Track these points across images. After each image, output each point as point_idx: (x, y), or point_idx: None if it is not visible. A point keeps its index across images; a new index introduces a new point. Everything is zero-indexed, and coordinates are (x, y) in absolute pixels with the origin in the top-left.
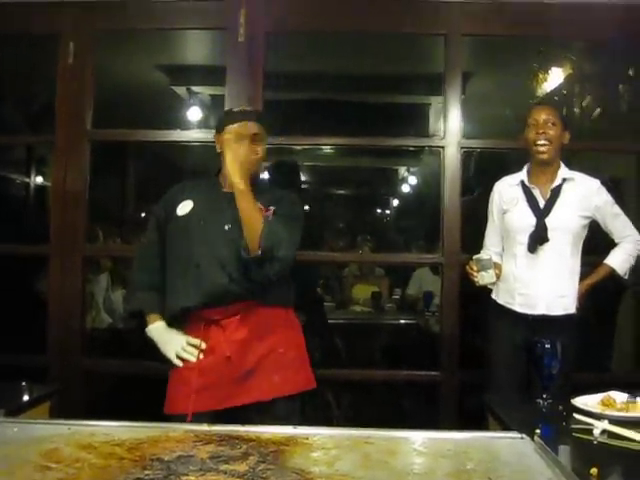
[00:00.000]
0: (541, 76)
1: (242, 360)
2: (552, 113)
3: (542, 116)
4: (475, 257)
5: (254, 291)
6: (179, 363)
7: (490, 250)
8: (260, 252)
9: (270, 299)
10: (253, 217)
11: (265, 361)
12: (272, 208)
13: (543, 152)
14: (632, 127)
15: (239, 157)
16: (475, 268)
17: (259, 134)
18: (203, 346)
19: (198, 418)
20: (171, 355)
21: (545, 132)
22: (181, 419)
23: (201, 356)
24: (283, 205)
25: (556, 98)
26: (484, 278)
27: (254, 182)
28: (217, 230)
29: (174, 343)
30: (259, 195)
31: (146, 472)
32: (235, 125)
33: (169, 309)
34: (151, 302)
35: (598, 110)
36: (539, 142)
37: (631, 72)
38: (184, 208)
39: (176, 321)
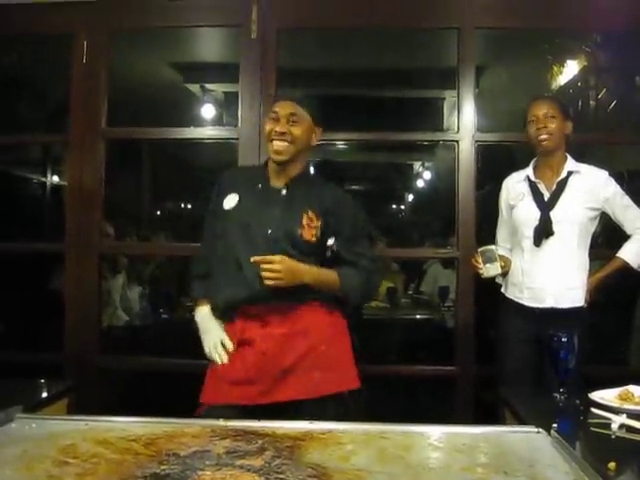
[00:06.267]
0: (556, 69)
1: (279, 357)
2: (550, 106)
3: (541, 111)
4: (480, 249)
5: (294, 293)
6: (210, 357)
7: (501, 246)
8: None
9: (310, 300)
10: (326, 283)
11: (305, 359)
12: (332, 241)
13: (544, 140)
14: None
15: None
16: (480, 260)
17: (295, 114)
18: (231, 348)
19: (231, 411)
20: (205, 347)
21: (546, 126)
22: (214, 410)
23: (226, 359)
24: (346, 220)
25: (571, 91)
26: (489, 270)
27: (299, 177)
28: (260, 232)
29: (211, 336)
30: (306, 193)
31: (162, 467)
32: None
33: (215, 303)
34: (200, 289)
35: (614, 102)
36: (541, 137)
37: None
38: (230, 202)
39: (222, 314)
